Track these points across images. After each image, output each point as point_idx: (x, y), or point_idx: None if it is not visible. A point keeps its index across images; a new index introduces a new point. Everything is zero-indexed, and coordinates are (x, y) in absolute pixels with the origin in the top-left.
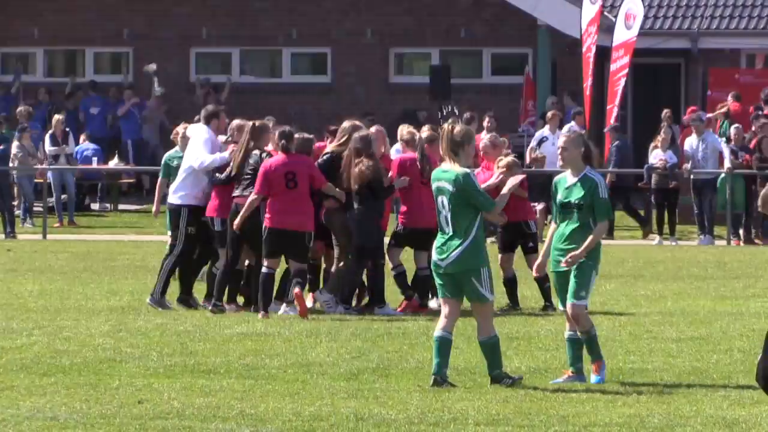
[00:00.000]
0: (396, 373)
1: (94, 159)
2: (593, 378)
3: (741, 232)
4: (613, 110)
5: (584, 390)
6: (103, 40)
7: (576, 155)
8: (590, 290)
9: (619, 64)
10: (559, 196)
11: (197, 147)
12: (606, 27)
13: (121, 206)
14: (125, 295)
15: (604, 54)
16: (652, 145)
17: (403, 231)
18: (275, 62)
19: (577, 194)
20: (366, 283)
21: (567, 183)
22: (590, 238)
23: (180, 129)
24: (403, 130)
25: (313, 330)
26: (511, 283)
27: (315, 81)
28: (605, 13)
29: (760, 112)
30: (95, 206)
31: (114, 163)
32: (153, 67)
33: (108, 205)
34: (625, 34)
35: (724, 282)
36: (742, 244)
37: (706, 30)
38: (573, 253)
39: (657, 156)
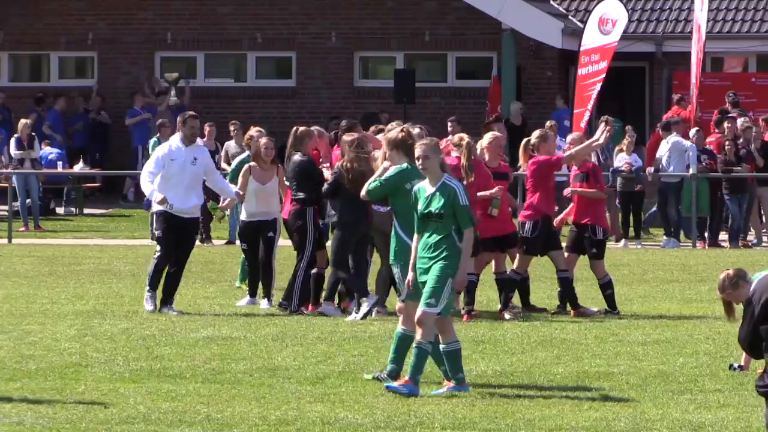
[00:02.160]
0: (362, 376)
1: (59, 163)
2: (443, 389)
3: (706, 235)
4: (583, 114)
5: (550, 394)
6: (67, 45)
7: (436, 163)
8: (444, 300)
9: (593, 69)
10: (420, 206)
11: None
12: (571, 31)
13: (86, 210)
14: (91, 300)
15: (567, 58)
16: (617, 148)
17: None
18: (240, 66)
19: (437, 203)
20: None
21: (426, 192)
22: (464, 249)
23: (253, 132)
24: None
25: (279, 334)
26: (565, 284)
27: (280, 85)
28: (570, 17)
29: (729, 115)
30: (60, 210)
31: (79, 167)
32: (175, 75)
33: (73, 209)
34: (599, 38)
35: (690, 285)
36: (707, 247)
37: (671, 33)
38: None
39: (622, 159)
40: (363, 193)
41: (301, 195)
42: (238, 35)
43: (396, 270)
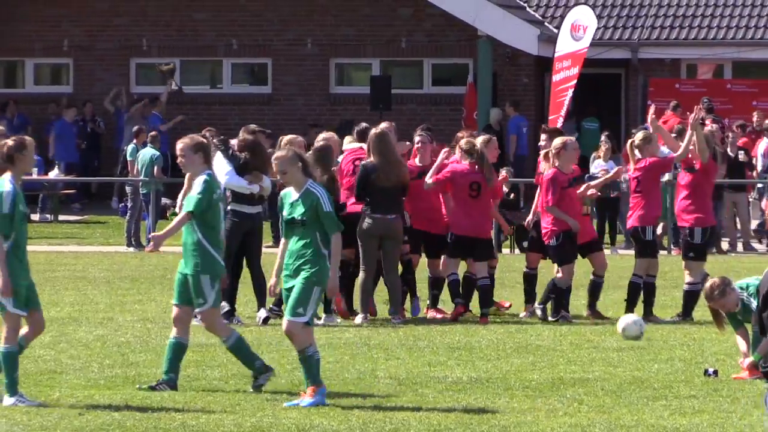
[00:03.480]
0: (337, 383)
1: (34, 170)
2: (304, 401)
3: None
4: (557, 120)
5: (526, 400)
6: (43, 51)
7: (294, 173)
8: (311, 308)
9: (564, 75)
10: (285, 213)
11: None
12: (547, 38)
13: (61, 217)
14: (66, 306)
15: (543, 65)
16: (594, 155)
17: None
18: (216, 73)
19: (300, 210)
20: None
21: (291, 198)
22: (333, 254)
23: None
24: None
25: (254, 341)
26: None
27: (255, 92)
28: (546, 24)
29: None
30: (35, 217)
31: (54, 174)
32: (170, 65)
33: (48, 215)
34: (571, 44)
35: (665, 291)
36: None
37: (647, 40)
38: None
39: (599, 166)
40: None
41: None
42: (214, 42)
43: (205, 278)
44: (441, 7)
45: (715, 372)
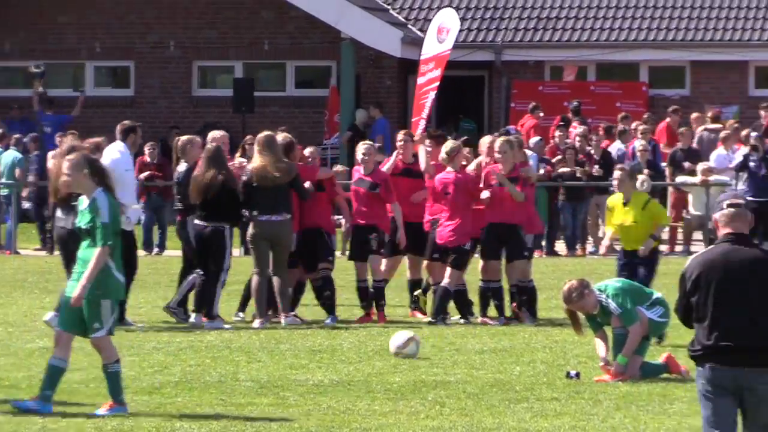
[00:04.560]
0: (198, 386)
1: None
2: (101, 411)
3: (543, 243)
4: (419, 123)
5: (387, 403)
6: None
7: (80, 179)
8: (107, 320)
9: (428, 77)
10: (76, 219)
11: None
12: (410, 40)
13: None
14: None
15: (406, 67)
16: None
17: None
18: (78, 75)
19: (86, 219)
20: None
21: (81, 206)
22: (90, 265)
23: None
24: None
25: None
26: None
27: (118, 94)
28: (410, 26)
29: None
30: None
31: None
32: (40, 67)
33: None
34: (436, 47)
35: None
36: (544, 255)
37: (510, 42)
38: None
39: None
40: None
41: (180, 205)
42: (77, 45)
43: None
44: (304, 9)
45: (577, 374)
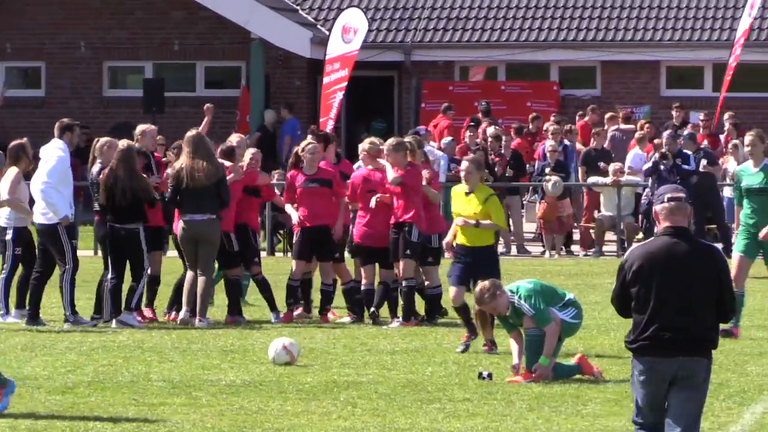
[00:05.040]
0: (111, 386)
1: None
2: None
3: None
4: (327, 123)
5: (300, 403)
6: None
7: None
8: None
9: (334, 78)
10: None
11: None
12: (320, 40)
13: None
14: None
15: (315, 68)
16: None
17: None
18: None
19: None
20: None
21: None
22: None
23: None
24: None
25: (28, 343)
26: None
27: (29, 95)
28: (319, 26)
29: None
30: None
31: None
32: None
33: None
34: (342, 47)
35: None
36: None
37: (420, 43)
38: None
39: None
40: None
41: (97, 206)
42: None
43: None
44: (214, 9)
45: (490, 375)
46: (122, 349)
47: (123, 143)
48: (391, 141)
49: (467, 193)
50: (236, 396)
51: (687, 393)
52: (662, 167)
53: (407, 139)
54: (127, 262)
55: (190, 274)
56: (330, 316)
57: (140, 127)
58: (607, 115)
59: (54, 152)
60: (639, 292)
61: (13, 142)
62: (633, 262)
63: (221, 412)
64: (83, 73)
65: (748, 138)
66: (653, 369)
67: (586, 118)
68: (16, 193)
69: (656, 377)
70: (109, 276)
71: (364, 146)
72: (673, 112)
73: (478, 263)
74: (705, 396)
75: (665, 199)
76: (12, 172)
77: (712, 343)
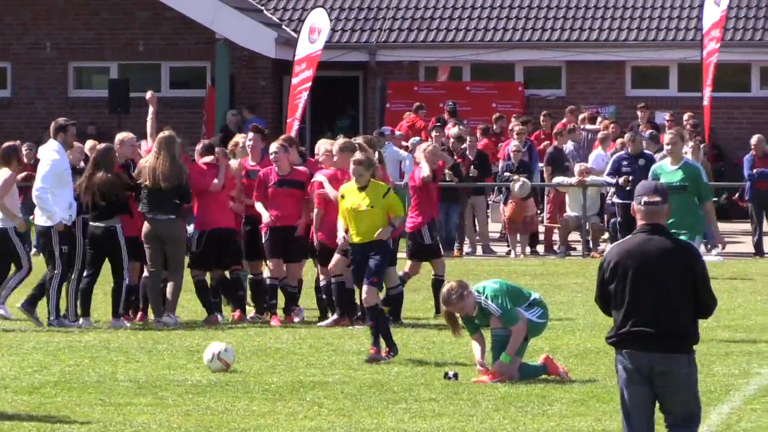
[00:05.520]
0: (78, 386)
1: None
2: None
3: None
4: (293, 123)
5: (266, 403)
6: None
7: None
8: None
9: (301, 78)
10: None
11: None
12: (284, 41)
13: None
14: None
15: (280, 68)
16: None
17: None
18: None
19: None
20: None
21: None
22: None
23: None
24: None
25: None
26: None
27: None
28: (284, 27)
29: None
30: None
31: None
32: None
33: None
34: (307, 47)
35: (406, 295)
36: None
37: (384, 43)
38: None
39: None
40: None
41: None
42: None
43: None
44: (178, 10)
45: (455, 375)
46: (88, 349)
47: (101, 145)
48: (339, 142)
49: (360, 189)
50: (202, 396)
51: (671, 392)
52: (624, 168)
53: (358, 139)
54: (106, 261)
55: (149, 278)
56: (273, 321)
57: (119, 136)
58: (581, 116)
59: (48, 155)
60: (616, 288)
61: (5, 144)
62: (611, 259)
63: (187, 412)
64: (49, 74)
65: (668, 136)
66: (631, 362)
67: (564, 120)
68: (9, 196)
69: (634, 372)
70: (84, 274)
71: (329, 146)
72: (639, 113)
73: (369, 253)
74: (694, 394)
75: (641, 202)
76: (4, 174)
77: (689, 338)
